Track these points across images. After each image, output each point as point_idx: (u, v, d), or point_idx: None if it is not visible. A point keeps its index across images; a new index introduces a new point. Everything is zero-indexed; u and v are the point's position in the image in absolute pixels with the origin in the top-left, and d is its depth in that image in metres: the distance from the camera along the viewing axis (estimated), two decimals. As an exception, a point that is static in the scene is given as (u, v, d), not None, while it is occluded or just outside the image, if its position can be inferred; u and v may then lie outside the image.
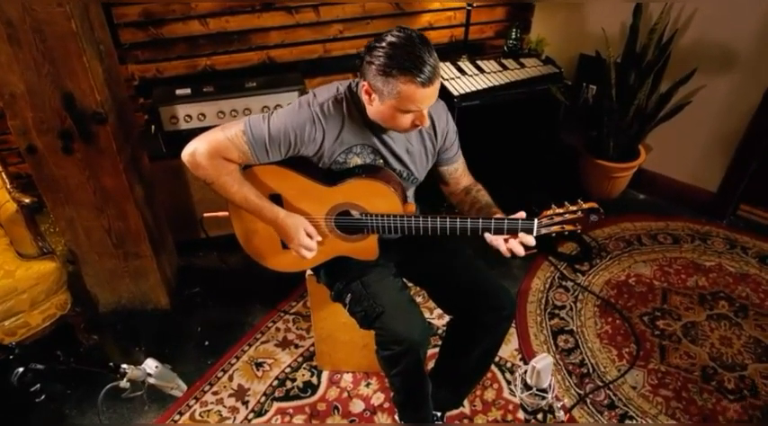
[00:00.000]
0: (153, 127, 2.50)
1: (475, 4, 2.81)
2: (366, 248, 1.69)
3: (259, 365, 2.27)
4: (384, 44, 1.40)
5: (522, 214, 1.55)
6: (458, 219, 1.58)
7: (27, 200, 2.00)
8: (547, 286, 2.63)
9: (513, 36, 2.95)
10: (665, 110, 2.78)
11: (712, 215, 3.00)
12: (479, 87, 2.72)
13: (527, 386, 2.10)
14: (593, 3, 2.96)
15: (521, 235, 1.54)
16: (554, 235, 1.56)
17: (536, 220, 1.53)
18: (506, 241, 1.56)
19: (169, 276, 2.49)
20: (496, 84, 2.75)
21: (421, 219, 1.59)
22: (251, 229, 1.72)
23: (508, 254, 1.57)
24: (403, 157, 1.66)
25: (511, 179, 2.73)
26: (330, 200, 1.64)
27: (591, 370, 2.24)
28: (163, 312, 2.48)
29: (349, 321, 1.93)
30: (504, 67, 2.87)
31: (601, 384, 2.18)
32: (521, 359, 2.28)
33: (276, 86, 2.53)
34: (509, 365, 2.26)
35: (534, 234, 1.55)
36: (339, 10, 2.80)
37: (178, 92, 2.46)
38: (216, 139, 1.53)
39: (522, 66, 2.89)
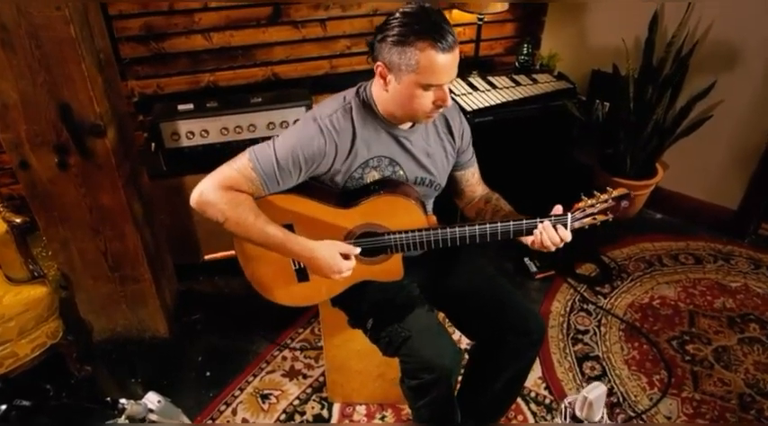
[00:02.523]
0: (153, 144, 2.38)
1: (486, 18, 2.73)
2: (390, 269, 1.56)
3: (265, 397, 2.11)
4: (396, 15, 1.32)
5: (559, 208, 1.47)
6: (487, 224, 1.47)
7: (18, 220, 1.86)
8: (568, 309, 2.50)
9: (525, 51, 2.88)
10: (684, 125, 2.69)
11: (733, 234, 2.89)
12: (492, 103, 2.64)
13: (575, 419, 1.93)
14: (604, 18, 2.90)
15: (558, 228, 1.45)
16: (587, 227, 1.50)
17: (569, 214, 1.46)
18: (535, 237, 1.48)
19: (168, 302, 2.34)
20: (509, 99, 2.67)
21: (448, 230, 1.47)
22: (260, 265, 1.58)
23: (544, 250, 1.48)
24: (423, 161, 1.55)
25: (525, 196, 2.62)
26: (347, 224, 1.51)
27: (621, 399, 2.09)
28: (161, 340, 2.32)
29: (364, 348, 1.80)
30: (517, 83, 2.79)
31: (633, 414, 2.03)
32: (545, 388, 2.13)
33: (282, 102, 2.42)
34: (533, 394, 2.11)
35: (568, 228, 1.47)
36: (347, 25, 2.72)
37: (180, 107, 2.34)
38: (222, 173, 1.41)
39: (535, 81, 2.81)
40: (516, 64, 2.94)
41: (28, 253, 1.95)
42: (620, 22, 2.81)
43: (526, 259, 2.70)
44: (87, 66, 1.65)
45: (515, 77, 2.83)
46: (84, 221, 1.94)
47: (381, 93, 1.42)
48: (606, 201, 1.47)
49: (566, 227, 1.47)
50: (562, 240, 1.46)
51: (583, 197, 1.49)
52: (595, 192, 1.49)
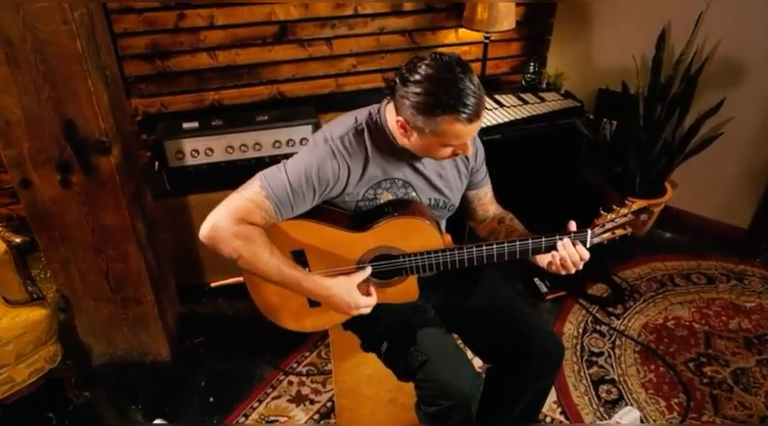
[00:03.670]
0: (156, 163, 2.34)
1: (492, 37, 2.73)
2: (405, 290, 1.51)
3: (271, 423, 2.04)
4: (419, 77, 1.24)
5: (573, 225, 1.43)
6: (505, 243, 1.42)
7: (18, 240, 1.81)
8: (580, 331, 2.43)
9: (532, 70, 2.87)
10: (694, 143, 2.67)
11: (744, 253, 2.84)
12: (500, 121, 2.61)
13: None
14: (609, 37, 2.90)
15: (577, 245, 1.41)
16: (606, 242, 1.47)
17: (589, 230, 1.42)
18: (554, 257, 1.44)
19: (170, 324, 2.27)
20: (517, 117, 2.64)
21: (465, 250, 1.42)
22: (269, 290, 1.51)
23: (562, 271, 1.44)
24: (437, 183, 1.51)
25: (534, 215, 2.58)
26: (361, 247, 1.46)
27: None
28: (163, 364, 2.25)
29: (375, 372, 1.74)
30: (524, 101, 2.77)
31: (653, 440, 1.96)
32: (561, 413, 2.06)
33: (289, 120, 2.38)
34: (549, 419, 2.04)
35: (588, 245, 1.43)
36: (353, 43, 2.71)
37: (185, 125, 2.30)
38: (234, 204, 1.33)
39: (542, 100, 2.79)
40: (523, 82, 2.93)
41: (27, 274, 1.89)
42: (624, 42, 2.80)
43: (536, 279, 2.65)
44: (93, 82, 1.61)
45: (522, 96, 2.81)
46: (86, 241, 1.89)
47: (398, 130, 1.37)
48: (626, 216, 1.44)
49: (585, 244, 1.43)
50: (581, 259, 1.42)
51: (602, 211, 1.46)
52: (614, 207, 1.45)
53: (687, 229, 2.99)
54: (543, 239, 1.42)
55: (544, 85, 2.95)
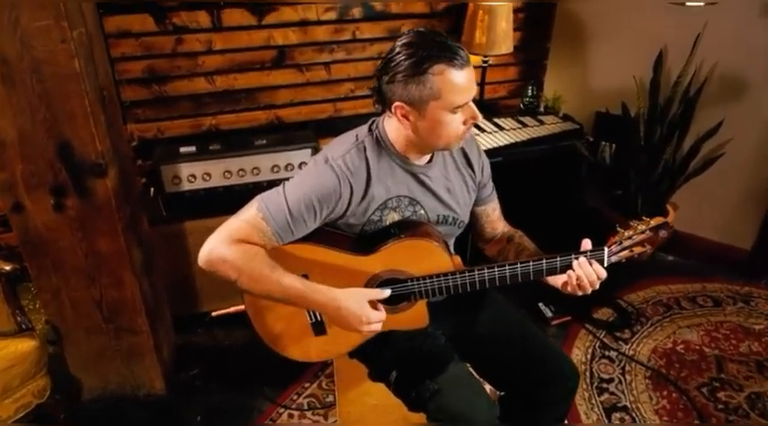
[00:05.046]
0: (152, 189, 2.28)
1: (490, 61, 2.73)
2: (414, 316, 1.44)
3: (271, 459, 1.94)
4: (397, 50, 1.25)
5: (588, 243, 1.37)
6: (518, 264, 1.37)
7: (7, 268, 1.73)
8: (589, 356, 2.37)
9: (530, 93, 2.87)
10: (695, 164, 2.66)
11: (748, 275, 2.81)
12: (500, 144, 2.59)
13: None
14: (605, 61, 2.93)
15: (593, 264, 1.35)
16: (624, 260, 1.40)
17: (606, 248, 1.36)
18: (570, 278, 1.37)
19: (165, 356, 2.18)
20: (517, 140, 2.63)
21: (476, 272, 1.37)
22: (272, 318, 1.45)
23: (578, 292, 1.37)
24: (444, 198, 1.47)
25: (536, 238, 2.55)
26: (367, 271, 1.40)
27: (657, 454, 1.94)
28: (157, 398, 2.15)
29: (381, 403, 1.67)
30: (523, 124, 2.76)
31: (671, 470, 1.88)
32: (574, 443, 1.98)
33: (287, 144, 2.35)
34: (562, 450, 1.95)
35: (605, 264, 1.37)
36: (351, 68, 2.70)
37: (182, 149, 2.26)
38: (230, 226, 1.30)
39: (542, 122, 2.78)
40: (521, 106, 2.93)
41: (16, 304, 1.81)
42: (620, 65, 2.82)
43: (541, 304, 2.59)
44: (90, 103, 1.57)
45: (521, 119, 2.81)
46: (79, 268, 1.82)
47: (402, 131, 1.34)
48: (643, 232, 1.38)
49: (602, 263, 1.37)
50: (599, 278, 1.36)
51: (618, 228, 1.40)
52: (631, 223, 1.40)
53: (690, 252, 2.96)
54: (558, 258, 1.37)
55: (542, 109, 2.95)
